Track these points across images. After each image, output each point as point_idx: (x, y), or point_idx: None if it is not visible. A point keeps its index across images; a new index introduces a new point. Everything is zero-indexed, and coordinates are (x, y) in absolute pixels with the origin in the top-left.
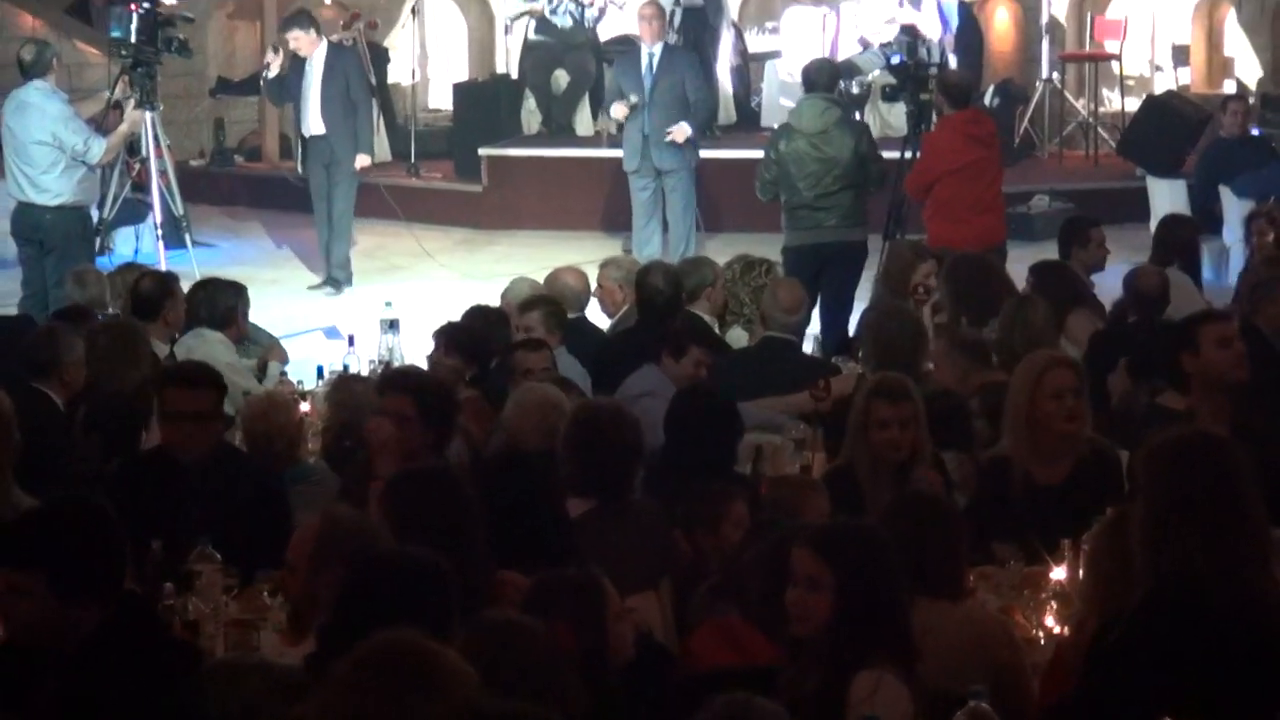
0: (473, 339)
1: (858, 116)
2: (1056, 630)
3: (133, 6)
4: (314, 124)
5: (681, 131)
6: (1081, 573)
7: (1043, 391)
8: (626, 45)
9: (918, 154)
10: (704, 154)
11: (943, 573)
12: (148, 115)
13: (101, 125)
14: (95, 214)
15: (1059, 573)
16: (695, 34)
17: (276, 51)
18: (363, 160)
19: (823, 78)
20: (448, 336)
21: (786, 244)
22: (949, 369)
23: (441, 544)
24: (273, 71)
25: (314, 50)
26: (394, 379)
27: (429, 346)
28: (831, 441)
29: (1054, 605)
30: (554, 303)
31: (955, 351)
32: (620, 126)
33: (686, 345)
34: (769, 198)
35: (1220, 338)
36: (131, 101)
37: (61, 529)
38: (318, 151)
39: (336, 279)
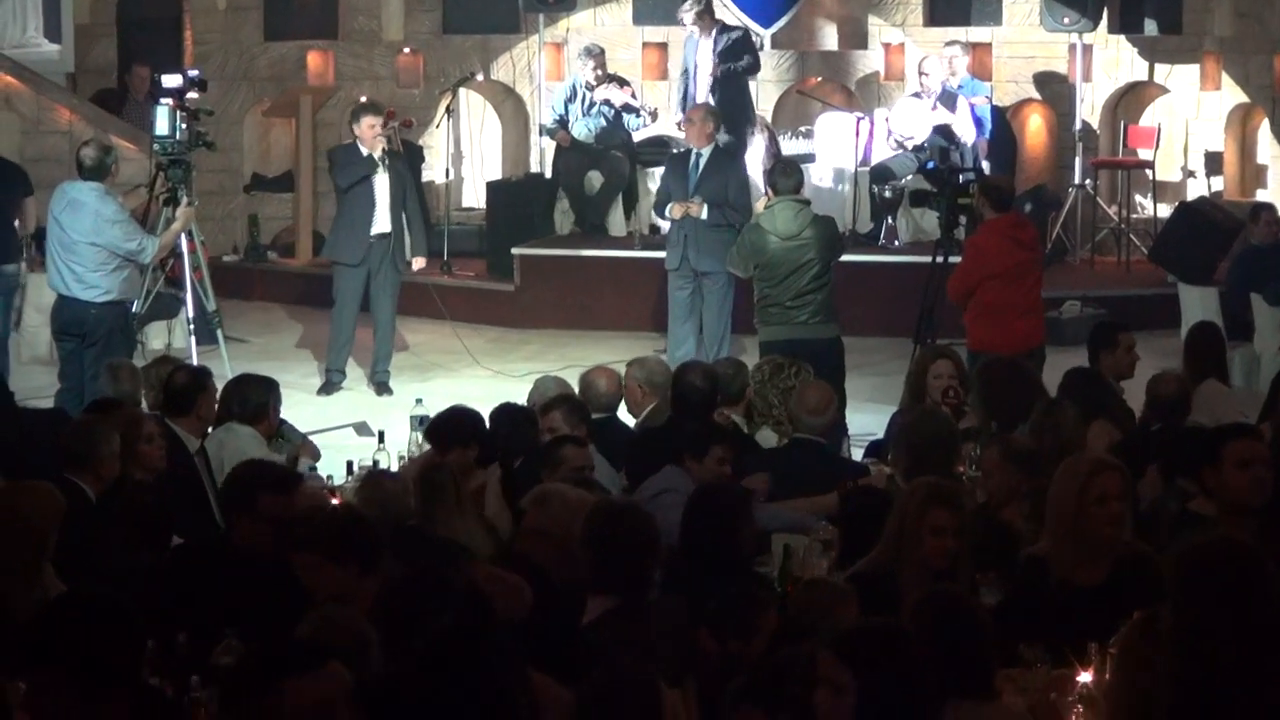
0: (496, 435)
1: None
2: None
3: (172, 102)
4: (382, 221)
5: (698, 206)
6: (1109, 675)
7: (1088, 495)
8: (661, 148)
9: (951, 258)
10: None
11: (971, 672)
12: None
13: (145, 220)
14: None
15: (1086, 676)
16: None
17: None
18: (420, 261)
19: (790, 180)
20: (450, 431)
21: (761, 339)
22: (1002, 480)
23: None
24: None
25: (380, 145)
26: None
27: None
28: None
29: (1080, 709)
30: (574, 400)
31: (1009, 464)
32: (654, 228)
33: (708, 445)
34: (747, 275)
35: (1241, 459)
36: (184, 200)
37: (78, 625)
38: (382, 249)
39: (386, 381)
